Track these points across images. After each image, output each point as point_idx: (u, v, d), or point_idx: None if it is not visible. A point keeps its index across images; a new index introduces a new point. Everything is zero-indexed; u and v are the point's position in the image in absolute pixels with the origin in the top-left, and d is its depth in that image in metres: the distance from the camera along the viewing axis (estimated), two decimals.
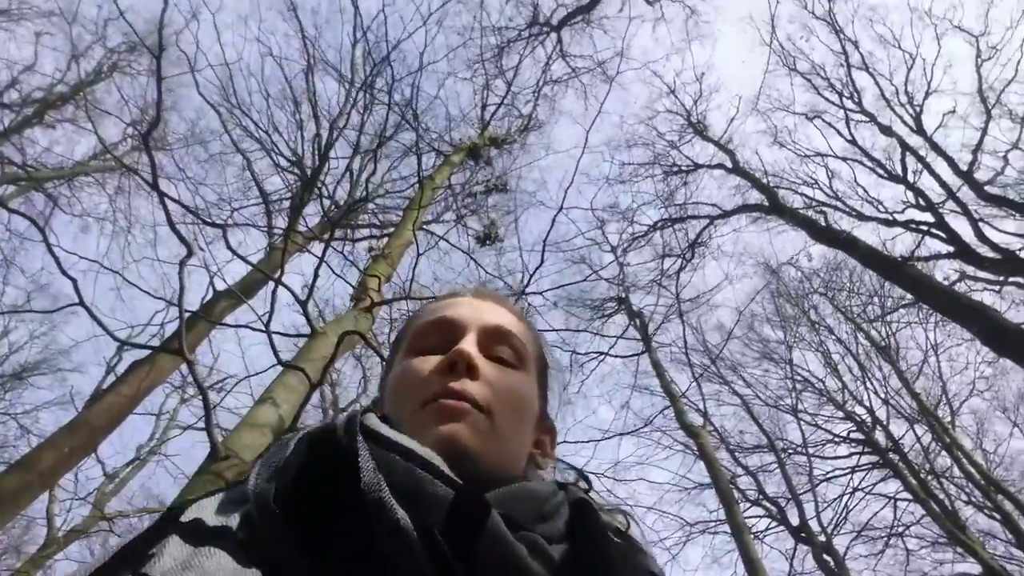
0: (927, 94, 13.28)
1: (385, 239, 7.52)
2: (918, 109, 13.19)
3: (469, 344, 0.85)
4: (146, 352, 7.29)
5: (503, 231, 9.09)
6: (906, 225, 12.69)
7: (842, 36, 13.59)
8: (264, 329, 4.50)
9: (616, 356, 12.46)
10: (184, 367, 6.99)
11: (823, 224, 12.72)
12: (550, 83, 12.63)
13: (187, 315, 6.45)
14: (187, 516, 0.64)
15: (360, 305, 6.43)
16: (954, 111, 13.30)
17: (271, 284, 5.07)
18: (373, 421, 0.69)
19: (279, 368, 4.61)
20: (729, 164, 14.10)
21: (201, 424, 3.94)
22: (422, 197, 8.55)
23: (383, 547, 0.57)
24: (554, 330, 6.81)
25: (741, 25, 26.07)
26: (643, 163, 14.54)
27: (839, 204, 13.59)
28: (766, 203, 13.49)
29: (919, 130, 12.96)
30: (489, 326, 0.91)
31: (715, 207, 14.11)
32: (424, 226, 8.79)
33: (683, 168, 14.37)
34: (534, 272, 4.91)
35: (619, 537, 0.75)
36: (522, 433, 0.88)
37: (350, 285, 6.45)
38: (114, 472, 12.35)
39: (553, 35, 12.91)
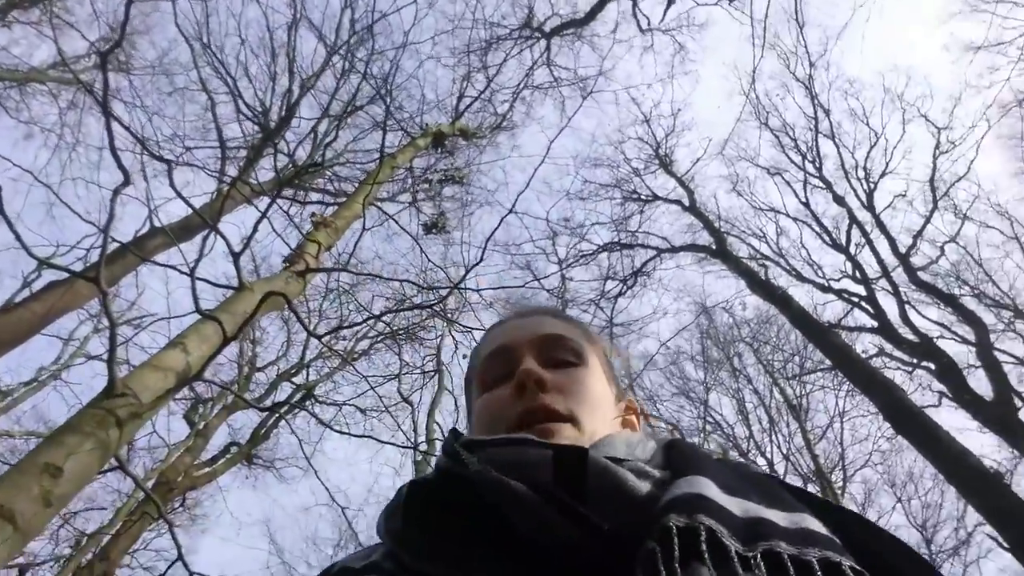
0: (883, 173, 13.83)
1: (335, 207, 7.44)
2: (872, 186, 13.71)
3: (529, 363, 0.89)
4: (65, 274, 7.06)
5: (454, 223, 9.11)
6: (839, 294, 13.20)
7: (816, 102, 14.02)
8: (188, 273, 4.41)
9: None
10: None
11: (763, 277, 13.10)
12: (531, 87, 12.68)
13: (116, 246, 6.28)
14: (334, 569, 0.75)
15: (293, 268, 6.36)
16: (904, 195, 13.89)
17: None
18: (462, 437, 0.76)
19: (199, 316, 4.53)
20: (686, 202, 14.38)
21: (107, 356, 3.85)
22: (379, 173, 8.49)
23: (512, 519, 0.62)
24: (479, 329, 6.84)
25: (724, 71, 26.60)
26: (605, 184, 14.70)
27: (781, 261, 14.04)
28: (714, 246, 13.80)
29: (869, 206, 13.46)
30: (539, 337, 0.95)
31: (665, 240, 14.35)
32: (376, 202, 8.74)
33: (642, 196, 14.60)
34: (470, 269, 4.93)
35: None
36: (606, 420, 0.91)
37: (288, 247, 6.37)
38: (8, 389, 11.89)
39: (543, 42, 12.94)
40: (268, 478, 12.82)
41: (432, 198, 9.61)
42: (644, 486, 0.64)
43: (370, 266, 9.88)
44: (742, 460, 0.75)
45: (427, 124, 10.00)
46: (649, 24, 13.52)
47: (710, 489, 0.61)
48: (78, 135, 11.96)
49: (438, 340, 10.97)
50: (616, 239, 14.09)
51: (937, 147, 13.70)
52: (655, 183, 14.83)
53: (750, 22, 9.26)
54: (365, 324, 8.45)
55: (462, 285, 6.59)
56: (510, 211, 5.54)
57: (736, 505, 0.60)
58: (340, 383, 11.51)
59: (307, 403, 10.42)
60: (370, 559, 0.72)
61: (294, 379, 11.01)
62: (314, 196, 9.89)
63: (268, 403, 10.62)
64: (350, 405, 10.03)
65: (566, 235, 13.95)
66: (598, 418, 0.87)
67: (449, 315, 7.42)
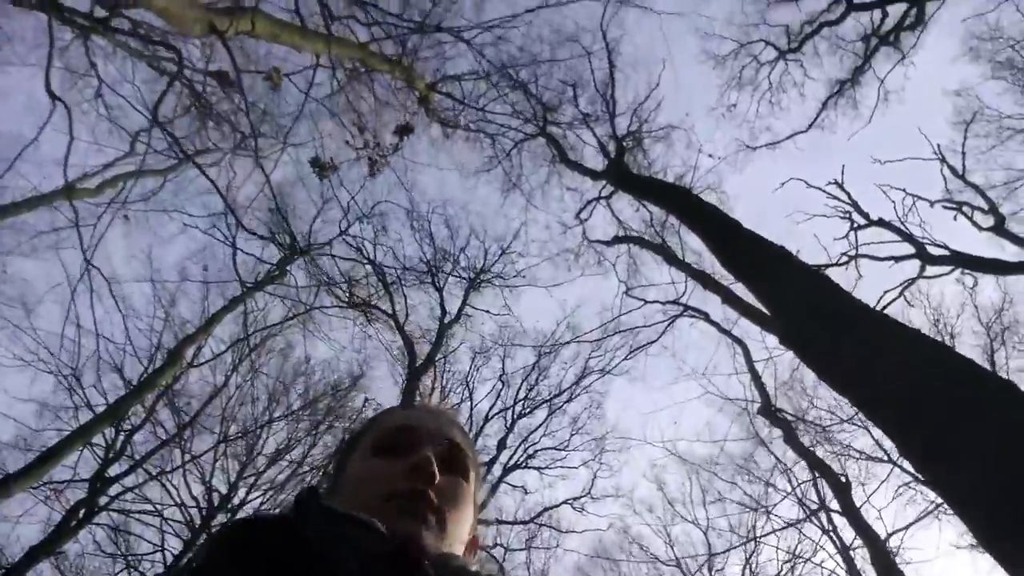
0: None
1: (294, 29, 6.86)
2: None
3: (431, 453, 0.96)
4: None
5: (330, 181, 8.36)
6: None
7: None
8: None
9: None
10: None
11: None
12: (492, 146, 12.37)
13: None
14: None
15: (212, 10, 5.88)
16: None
17: None
18: (319, 497, 0.82)
19: None
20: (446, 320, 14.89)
21: None
22: (349, 47, 8.03)
23: None
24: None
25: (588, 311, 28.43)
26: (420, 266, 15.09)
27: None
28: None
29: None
30: (445, 439, 1.04)
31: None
32: (318, 56, 8.08)
33: (436, 284, 15.08)
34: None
35: None
36: (462, 534, 0.98)
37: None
38: None
39: (542, 141, 12.68)
40: None
41: (358, 141, 8.62)
42: None
43: (254, 86, 9.11)
44: None
45: (422, 76, 9.54)
46: (588, 242, 13.85)
47: None
48: None
49: (222, 156, 10.18)
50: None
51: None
52: (452, 291, 15.22)
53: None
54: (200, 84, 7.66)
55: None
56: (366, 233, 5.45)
57: None
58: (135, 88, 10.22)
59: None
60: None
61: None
62: None
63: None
64: (119, 96, 8.90)
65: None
66: (457, 535, 0.96)
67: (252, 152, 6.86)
